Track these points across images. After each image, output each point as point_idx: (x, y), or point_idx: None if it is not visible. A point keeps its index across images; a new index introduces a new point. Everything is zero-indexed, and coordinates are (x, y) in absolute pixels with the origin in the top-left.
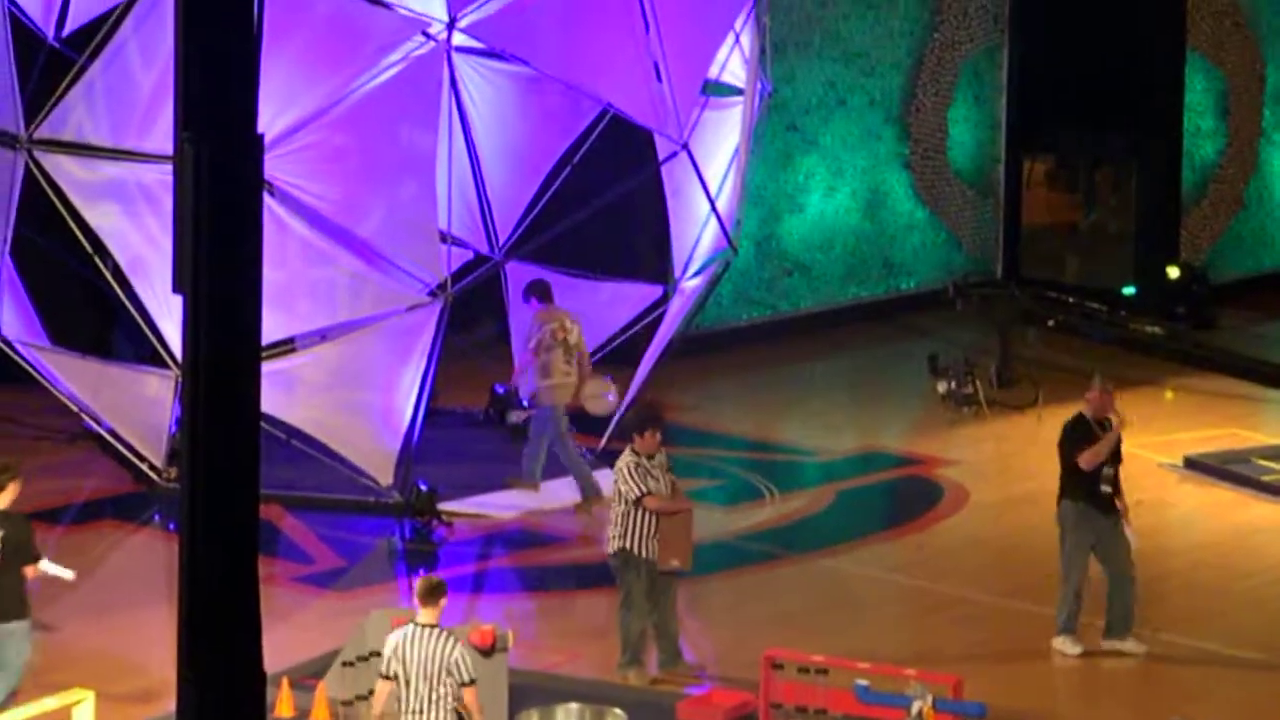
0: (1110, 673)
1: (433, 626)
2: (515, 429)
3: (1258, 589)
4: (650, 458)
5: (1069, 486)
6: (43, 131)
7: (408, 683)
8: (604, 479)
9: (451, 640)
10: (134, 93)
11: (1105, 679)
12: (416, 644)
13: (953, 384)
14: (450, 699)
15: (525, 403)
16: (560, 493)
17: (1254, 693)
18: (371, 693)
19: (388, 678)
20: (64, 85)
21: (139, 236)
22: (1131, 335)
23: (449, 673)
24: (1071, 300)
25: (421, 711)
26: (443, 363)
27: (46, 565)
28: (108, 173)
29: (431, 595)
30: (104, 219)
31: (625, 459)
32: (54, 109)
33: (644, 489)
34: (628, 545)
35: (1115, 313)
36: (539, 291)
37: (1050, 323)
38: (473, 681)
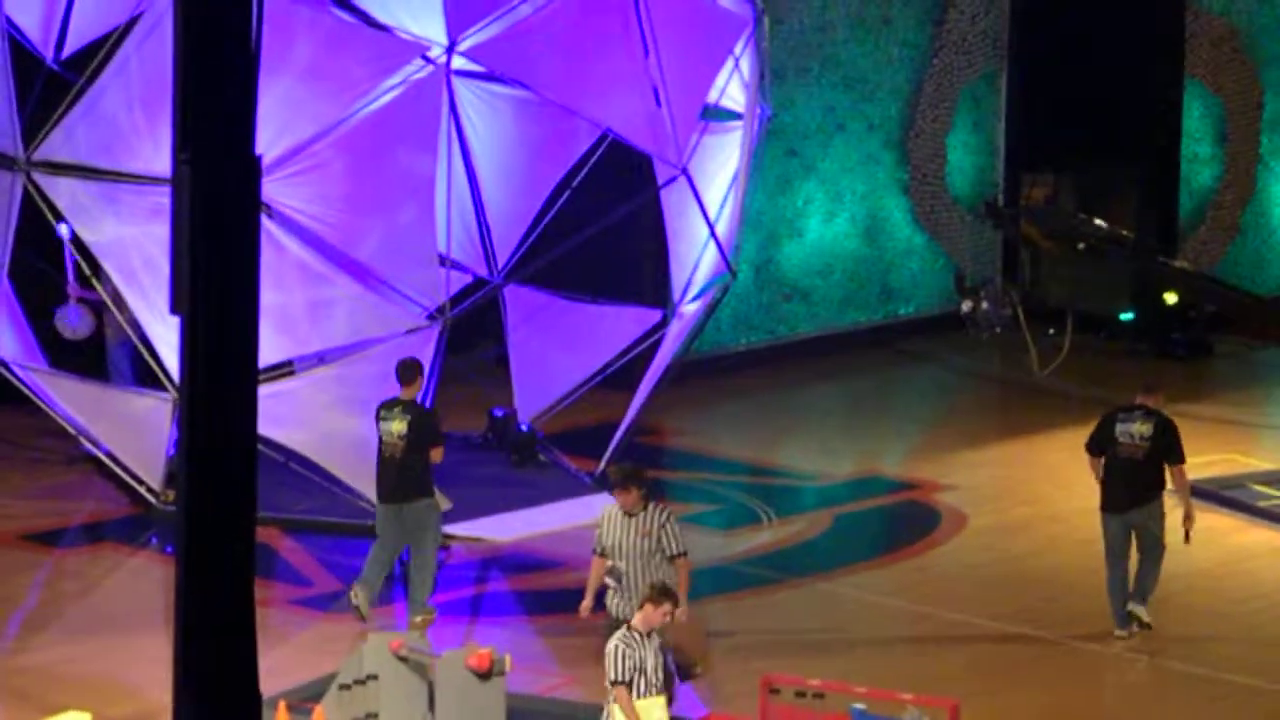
0: (1105, 697)
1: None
2: (516, 452)
3: (1252, 614)
4: (629, 514)
5: (1163, 484)
6: (41, 153)
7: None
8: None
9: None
10: (132, 115)
11: (1100, 704)
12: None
13: (985, 304)
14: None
15: (525, 426)
16: (557, 518)
17: (1248, 718)
18: (371, 715)
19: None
20: (63, 107)
21: (137, 259)
22: (1157, 268)
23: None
24: (1104, 226)
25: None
26: (441, 386)
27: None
28: (106, 195)
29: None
30: (102, 241)
31: (607, 508)
32: (52, 131)
33: (595, 541)
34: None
35: (1143, 242)
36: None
37: (1080, 245)
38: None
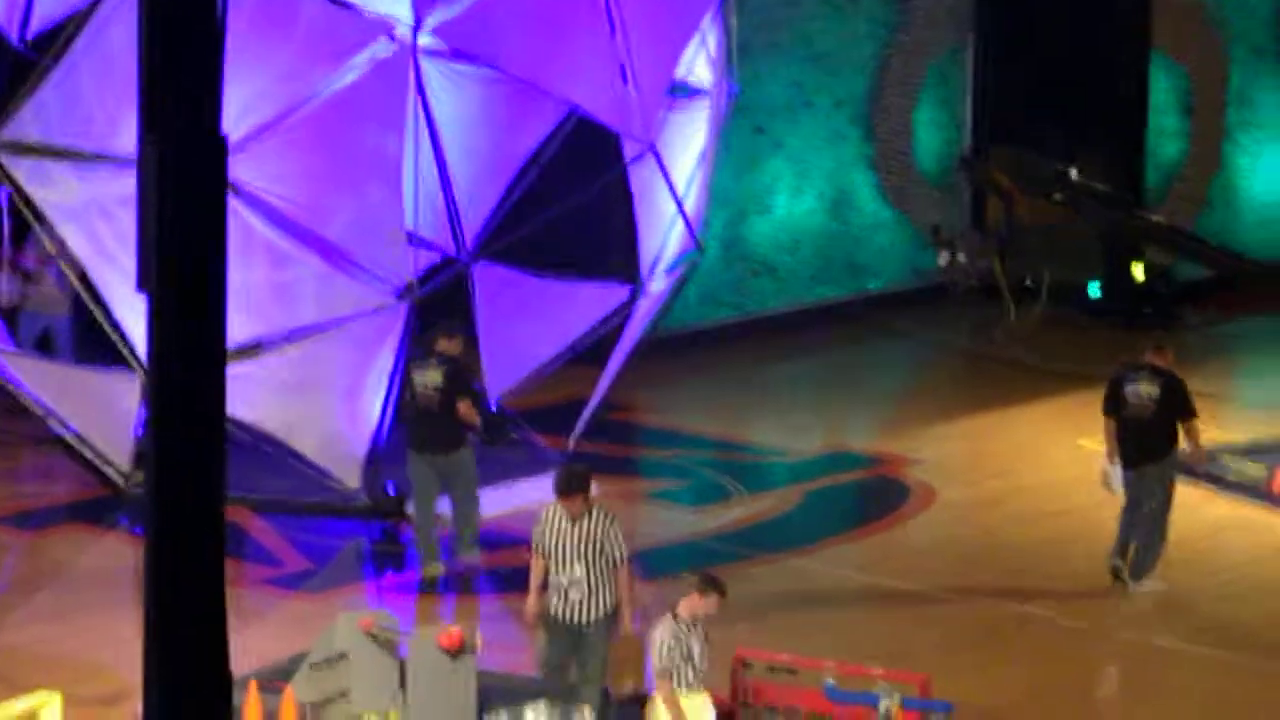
0: (1076, 669)
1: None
2: (487, 430)
3: (1224, 586)
4: (573, 520)
5: (1175, 440)
6: (6, 134)
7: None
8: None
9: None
10: (99, 95)
11: (1074, 677)
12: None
13: (961, 256)
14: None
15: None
16: (528, 494)
17: (1220, 688)
18: (342, 694)
19: None
20: (27, 88)
21: (105, 238)
22: (1131, 221)
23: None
24: (1077, 177)
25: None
26: (410, 365)
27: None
28: (72, 175)
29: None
30: (68, 221)
31: (547, 508)
32: (18, 112)
33: (534, 540)
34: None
35: (1120, 195)
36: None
37: (1056, 197)
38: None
